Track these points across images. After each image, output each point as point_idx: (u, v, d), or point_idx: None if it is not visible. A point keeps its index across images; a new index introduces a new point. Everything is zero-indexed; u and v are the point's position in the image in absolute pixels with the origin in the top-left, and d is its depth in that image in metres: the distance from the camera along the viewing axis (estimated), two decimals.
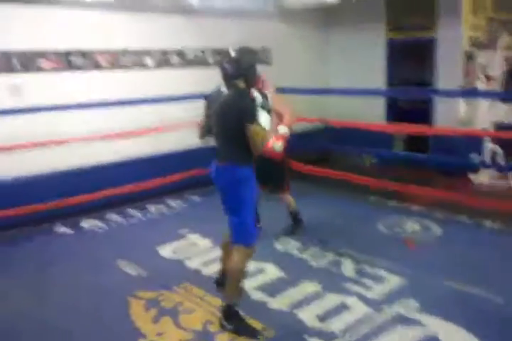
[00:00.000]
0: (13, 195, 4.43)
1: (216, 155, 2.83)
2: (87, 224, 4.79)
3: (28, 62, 4.65)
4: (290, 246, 4.08)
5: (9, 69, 4.56)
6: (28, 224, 4.50)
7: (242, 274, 2.88)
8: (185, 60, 5.82)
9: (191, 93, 5.41)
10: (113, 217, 4.96)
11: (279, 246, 4.09)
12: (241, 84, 2.74)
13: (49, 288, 3.51)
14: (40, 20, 4.67)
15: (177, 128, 5.40)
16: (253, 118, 2.62)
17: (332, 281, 3.42)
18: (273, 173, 4.06)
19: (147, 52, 5.48)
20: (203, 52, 5.96)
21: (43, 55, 4.75)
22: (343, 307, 3.08)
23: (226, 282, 2.91)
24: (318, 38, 7.27)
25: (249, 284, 3.35)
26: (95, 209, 4.96)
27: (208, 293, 3.31)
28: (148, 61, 5.51)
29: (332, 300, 3.17)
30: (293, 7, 6.32)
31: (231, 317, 2.85)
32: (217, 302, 3.15)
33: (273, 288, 3.36)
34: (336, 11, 6.73)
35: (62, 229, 4.66)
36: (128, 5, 5.17)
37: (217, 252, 3.60)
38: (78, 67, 5.00)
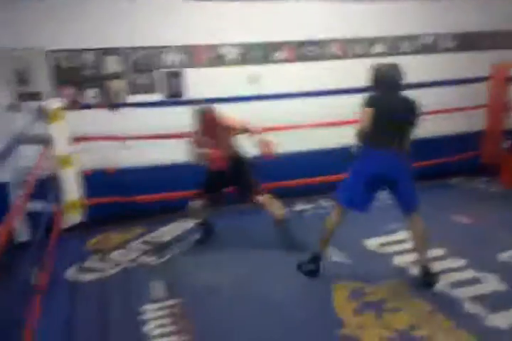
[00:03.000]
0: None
1: (383, 145, 3.18)
2: (297, 206, 4.97)
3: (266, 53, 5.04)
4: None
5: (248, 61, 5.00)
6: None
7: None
8: (417, 46, 5.53)
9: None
10: (323, 203, 5.02)
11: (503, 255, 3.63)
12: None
13: (259, 263, 3.74)
14: (275, 13, 4.94)
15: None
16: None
17: None
18: (239, 176, 3.90)
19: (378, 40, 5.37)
20: (435, 37, 5.59)
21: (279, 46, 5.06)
22: None
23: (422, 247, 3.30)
24: None
25: (464, 293, 3.08)
26: (307, 193, 5.10)
27: (416, 294, 3.13)
28: (378, 48, 5.40)
29: None
30: None
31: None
32: (425, 306, 2.96)
33: (493, 302, 2.99)
34: None
35: None
36: None
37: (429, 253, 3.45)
38: (311, 58, 5.17)
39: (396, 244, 3.93)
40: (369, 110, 3.15)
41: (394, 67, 3.29)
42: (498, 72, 5.26)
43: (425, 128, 5.17)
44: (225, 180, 3.95)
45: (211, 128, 3.84)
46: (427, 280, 3.26)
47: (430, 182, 5.32)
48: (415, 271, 3.44)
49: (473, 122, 5.45)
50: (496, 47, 5.74)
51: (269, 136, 3.85)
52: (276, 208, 3.93)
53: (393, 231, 4.13)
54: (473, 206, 4.77)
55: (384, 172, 3.21)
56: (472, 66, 5.49)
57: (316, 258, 3.47)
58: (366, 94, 3.25)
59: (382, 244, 3.96)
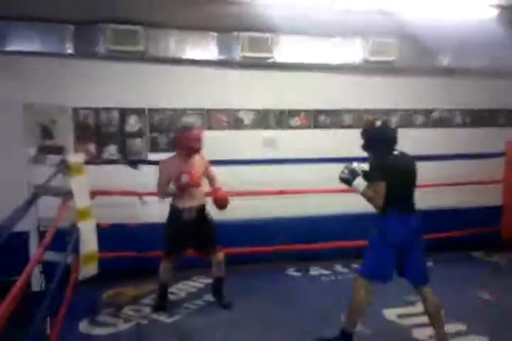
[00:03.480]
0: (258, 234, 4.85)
1: (407, 209, 3.15)
2: (315, 271, 4.91)
3: (281, 119, 5.26)
4: None
5: (266, 126, 5.22)
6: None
7: None
8: (431, 120, 5.73)
9: None
10: (338, 268, 4.96)
11: None
12: None
13: (273, 324, 3.64)
14: (292, 83, 5.18)
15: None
16: None
17: None
18: (204, 228, 3.81)
19: (391, 111, 5.57)
20: (451, 112, 5.79)
21: (297, 113, 5.28)
22: None
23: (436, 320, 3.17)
24: None
25: None
26: (324, 257, 5.06)
27: None
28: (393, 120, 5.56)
29: None
30: None
31: None
32: None
33: None
34: None
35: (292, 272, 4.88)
36: (376, 68, 5.37)
37: (449, 327, 3.39)
38: (325, 126, 5.38)
39: (415, 316, 3.77)
40: (382, 185, 3.02)
41: (386, 124, 3.24)
42: None
43: (444, 200, 5.33)
44: (190, 231, 3.76)
45: (191, 150, 3.70)
46: None
47: (451, 254, 5.25)
48: None
49: (494, 197, 5.45)
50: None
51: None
52: (220, 268, 3.91)
53: (412, 303, 3.98)
54: (495, 282, 4.62)
55: (413, 239, 3.12)
56: (488, 141, 5.60)
57: (349, 336, 3.21)
58: (368, 163, 3.17)
59: (401, 315, 3.81)
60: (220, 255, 3.87)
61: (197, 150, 3.75)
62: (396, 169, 3.09)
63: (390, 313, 3.85)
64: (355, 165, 3.20)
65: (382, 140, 3.14)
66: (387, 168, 3.07)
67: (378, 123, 3.21)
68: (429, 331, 3.46)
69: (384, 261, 3.12)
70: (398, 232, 3.10)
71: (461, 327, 3.59)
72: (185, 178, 3.61)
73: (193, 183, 3.67)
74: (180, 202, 3.75)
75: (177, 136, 3.83)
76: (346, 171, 3.15)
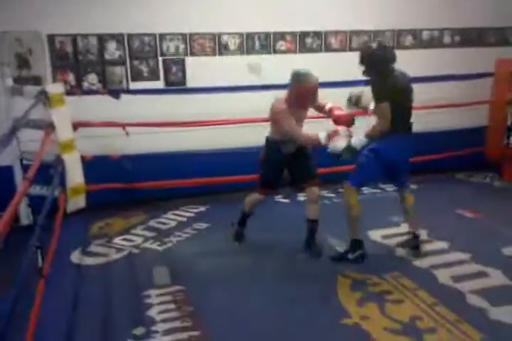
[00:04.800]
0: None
1: (408, 128, 3.30)
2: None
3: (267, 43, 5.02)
4: None
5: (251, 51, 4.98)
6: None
7: None
8: (419, 40, 5.52)
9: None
10: (325, 193, 4.98)
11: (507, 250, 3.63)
12: None
13: (266, 251, 3.75)
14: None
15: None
16: None
17: None
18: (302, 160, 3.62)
19: (379, 33, 5.34)
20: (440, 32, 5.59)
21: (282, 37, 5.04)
22: None
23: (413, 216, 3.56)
24: None
25: (468, 286, 3.10)
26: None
27: (420, 286, 3.12)
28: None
29: None
30: None
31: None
32: (429, 298, 2.96)
33: (496, 296, 2.99)
34: None
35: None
36: None
37: (431, 246, 3.66)
38: (311, 49, 5.17)
39: (399, 236, 3.90)
40: (385, 106, 3.08)
41: (383, 43, 3.29)
42: (503, 68, 5.22)
43: (430, 123, 5.30)
44: (289, 164, 3.58)
45: (306, 100, 3.36)
46: (415, 245, 3.53)
47: (435, 175, 5.35)
48: (419, 263, 3.45)
49: (478, 117, 5.46)
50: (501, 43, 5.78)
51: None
52: (316, 208, 3.64)
53: (396, 224, 4.12)
54: (477, 200, 4.78)
55: (404, 158, 3.36)
56: (477, 61, 5.48)
57: (359, 243, 3.47)
58: (371, 86, 3.17)
59: (385, 236, 3.94)
60: (317, 190, 3.59)
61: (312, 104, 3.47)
62: (399, 87, 3.16)
63: (374, 234, 3.97)
64: (354, 92, 3.36)
65: (382, 60, 3.15)
66: (390, 87, 3.13)
67: (374, 45, 3.22)
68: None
69: (374, 176, 3.45)
70: (397, 151, 3.27)
71: (444, 244, 3.74)
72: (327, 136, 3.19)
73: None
74: (278, 134, 3.48)
75: (297, 85, 3.30)
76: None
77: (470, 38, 5.70)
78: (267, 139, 3.58)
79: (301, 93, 3.30)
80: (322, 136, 3.17)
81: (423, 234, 3.81)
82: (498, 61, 5.24)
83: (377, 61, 3.15)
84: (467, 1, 5.43)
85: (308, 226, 3.67)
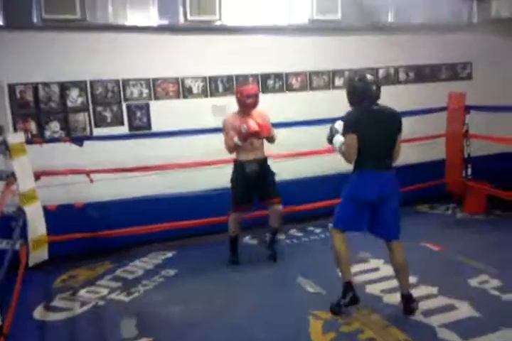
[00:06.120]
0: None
1: (380, 166, 3.14)
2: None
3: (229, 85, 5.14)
4: (486, 284, 3.64)
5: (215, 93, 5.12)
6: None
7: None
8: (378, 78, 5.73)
9: None
10: (295, 232, 5.03)
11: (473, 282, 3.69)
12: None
13: (237, 293, 3.72)
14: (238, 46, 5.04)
15: None
16: None
17: None
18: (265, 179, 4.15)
19: (337, 73, 5.57)
20: (396, 69, 5.86)
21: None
22: None
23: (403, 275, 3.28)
24: None
25: (437, 320, 3.10)
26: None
27: (390, 323, 3.11)
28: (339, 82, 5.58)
29: None
30: (502, 16, 5.72)
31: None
32: (400, 335, 2.95)
33: (466, 329, 3.00)
34: None
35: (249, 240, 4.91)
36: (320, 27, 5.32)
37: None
38: (272, 90, 5.33)
39: (367, 272, 3.94)
40: (352, 136, 3.03)
41: (367, 77, 3.17)
42: (455, 101, 5.32)
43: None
44: (254, 182, 4.06)
45: (246, 106, 4.00)
46: (411, 307, 3.23)
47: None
48: (388, 299, 3.45)
49: (438, 151, 5.59)
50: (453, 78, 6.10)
51: None
52: (278, 218, 4.22)
53: (364, 260, 4.15)
54: (440, 233, 4.85)
55: (380, 196, 3.13)
56: (433, 96, 5.67)
57: (348, 286, 3.29)
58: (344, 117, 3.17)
59: (354, 274, 3.94)
60: (280, 207, 4.14)
61: (253, 106, 4.02)
62: (364, 122, 3.08)
63: None
64: (338, 123, 3.25)
65: (355, 94, 3.16)
66: (354, 120, 3.10)
67: (356, 78, 3.21)
68: (383, 286, 3.65)
69: (348, 214, 3.23)
70: (364, 189, 3.13)
71: (411, 278, 3.73)
72: (244, 128, 3.82)
73: (252, 132, 3.82)
74: (243, 155, 4.05)
75: (236, 91, 4.09)
76: (328, 131, 3.30)
77: (424, 73, 6.00)
78: (234, 161, 4.14)
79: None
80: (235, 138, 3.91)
81: (388, 270, 3.82)
82: (450, 95, 5.38)
83: (351, 93, 3.18)
84: (420, 41, 5.73)
85: (271, 232, 4.32)
